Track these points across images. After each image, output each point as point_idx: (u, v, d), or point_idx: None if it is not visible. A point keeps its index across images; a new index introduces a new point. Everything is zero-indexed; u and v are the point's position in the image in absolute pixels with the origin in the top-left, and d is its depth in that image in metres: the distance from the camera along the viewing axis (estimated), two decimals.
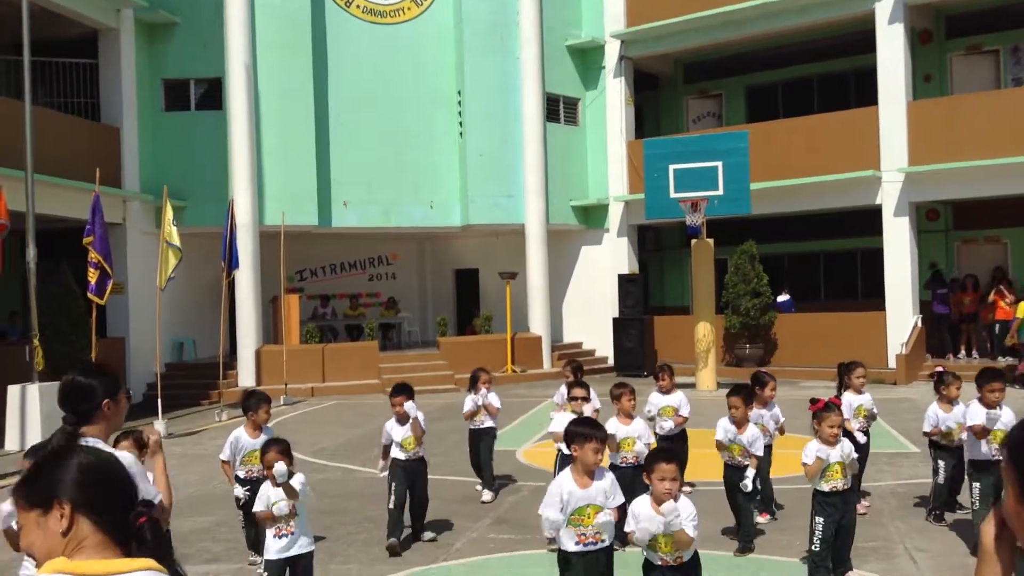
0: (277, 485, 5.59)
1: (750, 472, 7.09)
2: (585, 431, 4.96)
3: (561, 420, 7.61)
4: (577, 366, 9.51)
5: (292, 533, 5.61)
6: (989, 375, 7.15)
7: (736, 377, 19.23)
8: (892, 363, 18.32)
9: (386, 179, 20.89)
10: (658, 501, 4.66)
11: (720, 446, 7.41)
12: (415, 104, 21.13)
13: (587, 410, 7.79)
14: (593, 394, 9.03)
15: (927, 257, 20.56)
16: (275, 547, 5.62)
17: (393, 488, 7.58)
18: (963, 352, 19.37)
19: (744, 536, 7.12)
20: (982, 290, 19.12)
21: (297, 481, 5.64)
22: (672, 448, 6.81)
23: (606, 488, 4.90)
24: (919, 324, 18.80)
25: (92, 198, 13.83)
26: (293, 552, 5.62)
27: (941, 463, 7.84)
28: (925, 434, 8.05)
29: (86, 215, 13.91)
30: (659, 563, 4.77)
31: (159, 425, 14.05)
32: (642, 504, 4.78)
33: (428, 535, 7.81)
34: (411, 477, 7.66)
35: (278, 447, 5.78)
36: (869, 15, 19.23)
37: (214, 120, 19.65)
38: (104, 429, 3.39)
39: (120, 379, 3.54)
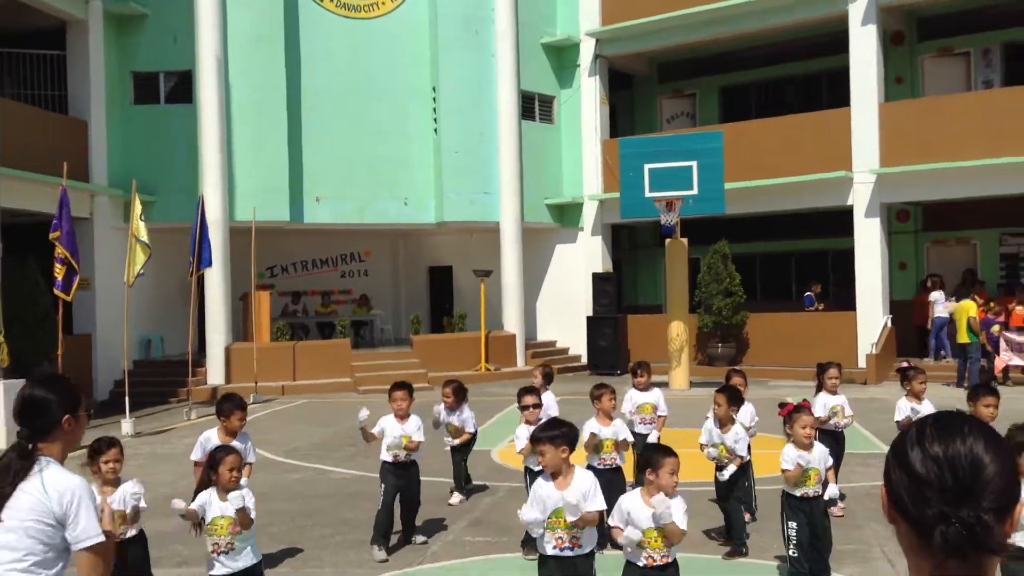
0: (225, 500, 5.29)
1: (731, 467, 7.06)
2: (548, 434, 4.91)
3: (523, 434, 7.41)
4: (548, 372, 9.19)
5: (233, 548, 5.29)
6: (982, 391, 6.71)
7: (709, 376, 19.33)
8: (863, 363, 18.46)
9: (360, 175, 20.71)
10: (667, 494, 4.65)
11: (704, 448, 7.38)
12: (389, 99, 20.97)
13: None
14: (550, 399, 8.83)
15: (897, 258, 20.74)
16: (217, 562, 5.28)
17: (383, 490, 7.40)
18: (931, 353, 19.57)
19: (736, 539, 7.09)
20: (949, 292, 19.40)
21: (247, 498, 5.30)
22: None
23: (584, 490, 4.84)
24: (889, 324, 18.96)
25: (59, 192, 13.56)
26: (239, 566, 5.29)
27: None
28: (898, 423, 8.01)
29: (53, 209, 13.66)
30: (643, 563, 4.73)
31: (126, 425, 13.82)
32: (632, 499, 4.73)
33: (419, 539, 7.67)
34: (403, 479, 7.48)
35: (236, 456, 5.44)
36: (842, 16, 19.35)
37: (184, 114, 19.38)
38: (62, 447, 3.16)
39: (82, 394, 3.30)
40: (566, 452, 4.86)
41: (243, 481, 6.86)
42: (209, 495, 5.35)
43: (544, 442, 4.82)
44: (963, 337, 16.30)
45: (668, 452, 4.87)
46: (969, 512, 1.41)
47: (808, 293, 20.70)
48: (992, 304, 17.42)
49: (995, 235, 20.28)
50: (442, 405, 9.16)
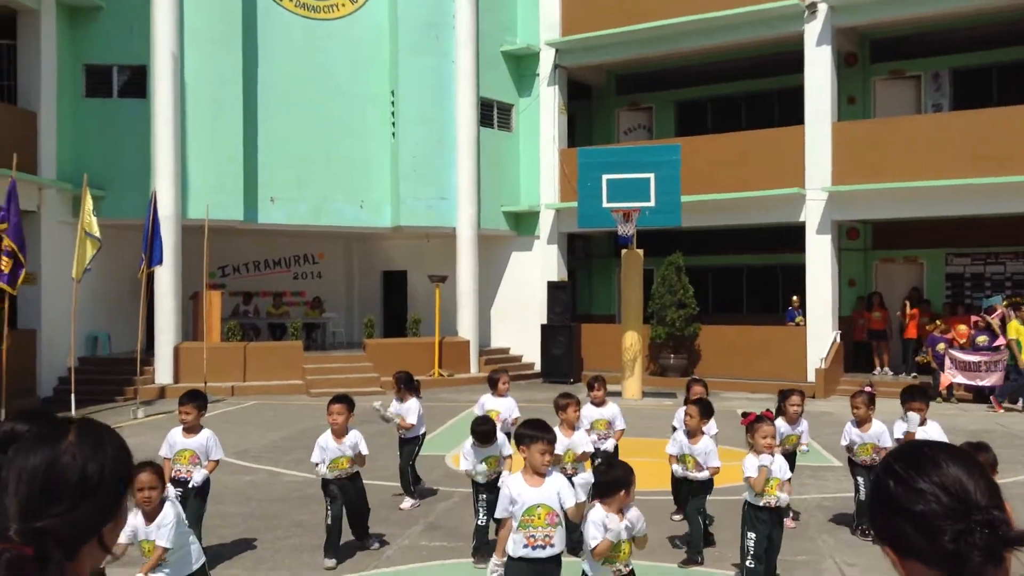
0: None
1: (703, 474, 7.13)
2: (532, 433, 5.02)
3: (470, 454, 7.35)
4: (494, 378, 9.06)
5: (167, 572, 5.13)
6: (911, 393, 7.54)
7: (661, 387, 19.49)
8: (812, 377, 18.74)
9: (316, 176, 20.53)
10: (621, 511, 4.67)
11: (672, 459, 7.42)
12: (347, 101, 20.83)
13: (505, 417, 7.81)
14: (511, 402, 8.91)
15: (847, 275, 21.13)
16: None
17: (328, 502, 7.24)
18: (878, 368, 19.95)
19: (692, 547, 7.13)
20: (888, 309, 19.99)
21: (167, 525, 5.03)
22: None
23: (559, 488, 4.89)
24: (838, 340, 19.28)
25: (8, 184, 13.23)
26: None
27: (860, 479, 7.99)
28: (845, 448, 8.23)
29: (0, 201, 13.31)
30: None
31: None
32: (602, 514, 4.71)
33: (374, 543, 7.57)
34: (346, 492, 7.32)
35: (152, 471, 5.13)
36: (798, 36, 19.68)
37: (137, 108, 19.02)
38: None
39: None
40: (547, 455, 4.92)
41: (198, 477, 6.82)
42: (135, 520, 5.05)
43: (532, 441, 4.93)
44: None
45: (632, 469, 4.89)
46: (979, 514, 1.41)
47: (791, 307, 20.93)
48: (938, 323, 17.83)
49: (941, 255, 20.77)
50: (392, 396, 9.23)
